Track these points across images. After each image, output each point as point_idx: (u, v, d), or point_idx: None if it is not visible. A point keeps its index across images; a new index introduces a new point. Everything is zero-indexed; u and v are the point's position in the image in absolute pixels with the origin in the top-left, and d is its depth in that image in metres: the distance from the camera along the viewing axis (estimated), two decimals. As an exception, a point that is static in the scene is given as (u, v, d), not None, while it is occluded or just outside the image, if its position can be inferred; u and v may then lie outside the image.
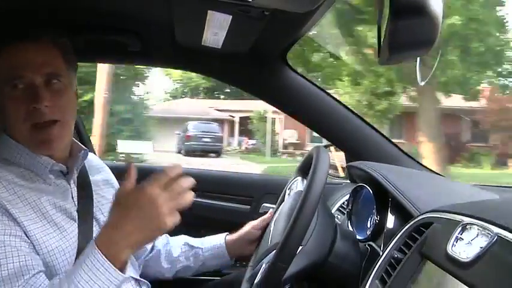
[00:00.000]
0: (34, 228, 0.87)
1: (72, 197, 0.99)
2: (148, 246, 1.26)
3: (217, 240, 1.27)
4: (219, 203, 1.84)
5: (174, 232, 1.60)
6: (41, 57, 0.93)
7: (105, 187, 1.12)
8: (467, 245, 0.66)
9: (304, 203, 0.84)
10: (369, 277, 0.90)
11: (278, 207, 1.21)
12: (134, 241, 0.80)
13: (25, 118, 0.91)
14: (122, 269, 0.80)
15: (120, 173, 1.38)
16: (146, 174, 0.84)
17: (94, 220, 1.01)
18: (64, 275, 0.83)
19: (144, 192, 0.80)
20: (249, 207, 1.81)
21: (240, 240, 1.25)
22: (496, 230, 0.63)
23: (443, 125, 10.91)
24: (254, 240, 1.24)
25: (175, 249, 1.26)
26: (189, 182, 0.84)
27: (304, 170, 1.25)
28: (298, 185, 1.20)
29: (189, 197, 0.83)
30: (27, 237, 0.85)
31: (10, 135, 0.95)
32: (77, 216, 0.97)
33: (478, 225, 0.68)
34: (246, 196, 1.84)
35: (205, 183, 1.93)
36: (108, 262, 0.77)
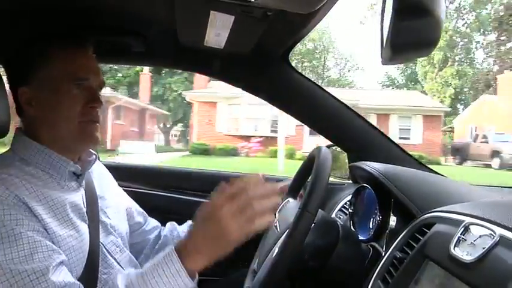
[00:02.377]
0: (54, 226, 0.89)
1: (82, 199, 1.01)
2: (152, 237, 1.28)
3: None
4: None
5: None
6: (95, 65, 1.04)
7: (105, 189, 1.14)
8: (470, 246, 0.66)
9: (316, 178, 0.90)
10: (372, 277, 0.90)
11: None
12: (204, 251, 0.82)
13: (80, 115, 0.98)
14: (192, 277, 0.82)
15: (120, 173, 1.40)
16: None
17: (100, 222, 1.03)
18: (134, 272, 0.86)
19: (208, 204, 0.82)
20: None
21: None
22: (499, 230, 0.63)
23: None
24: None
25: (184, 233, 1.27)
26: (269, 189, 0.83)
27: (295, 190, 1.26)
28: (290, 205, 1.19)
29: (262, 205, 0.81)
30: (48, 234, 0.87)
31: (33, 134, 0.98)
32: (86, 218, 0.99)
33: (480, 226, 0.68)
34: None
35: (205, 183, 1.93)
36: (183, 268, 0.80)
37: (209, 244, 0.81)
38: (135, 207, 1.28)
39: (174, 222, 1.34)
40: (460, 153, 19.37)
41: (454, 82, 29.41)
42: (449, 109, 19.69)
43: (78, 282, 0.87)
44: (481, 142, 18.28)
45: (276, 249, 0.95)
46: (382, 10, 0.71)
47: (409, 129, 19.22)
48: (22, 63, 0.98)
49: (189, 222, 1.32)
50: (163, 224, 1.36)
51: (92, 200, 1.04)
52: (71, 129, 0.98)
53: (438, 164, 16.47)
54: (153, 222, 1.32)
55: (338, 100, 1.54)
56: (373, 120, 18.55)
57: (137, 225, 1.25)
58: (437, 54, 28.55)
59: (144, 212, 1.31)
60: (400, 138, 18.50)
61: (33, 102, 0.97)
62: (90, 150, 1.09)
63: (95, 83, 1.02)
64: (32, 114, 0.98)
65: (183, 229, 1.30)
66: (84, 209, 0.99)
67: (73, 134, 0.98)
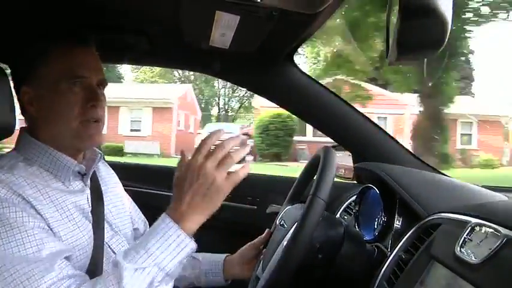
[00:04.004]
0: (57, 226, 0.89)
1: (87, 199, 1.01)
2: None
3: (217, 257, 1.27)
4: (224, 202, 1.83)
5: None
6: (96, 62, 1.01)
7: (111, 189, 1.13)
8: (476, 247, 0.66)
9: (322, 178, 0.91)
10: (377, 278, 0.90)
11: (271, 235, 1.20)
12: (197, 208, 0.84)
13: (79, 114, 0.96)
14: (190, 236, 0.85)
15: (127, 172, 1.40)
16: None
17: (106, 222, 1.03)
18: (132, 244, 0.88)
19: (188, 166, 0.85)
20: (255, 207, 1.81)
21: (238, 260, 1.24)
22: (505, 231, 0.63)
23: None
24: (251, 260, 1.22)
25: None
26: (234, 141, 0.87)
27: (295, 199, 1.25)
28: (296, 207, 1.18)
29: (238, 155, 0.86)
30: (53, 233, 0.88)
31: (36, 134, 0.98)
32: (91, 218, 0.99)
33: (486, 227, 0.67)
34: (251, 196, 1.83)
35: None
36: (179, 228, 0.82)
37: (201, 201, 0.84)
38: (138, 212, 1.27)
39: None
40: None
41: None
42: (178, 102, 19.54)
43: (84, 274, 0.87)
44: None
45: (285, 243, 0.95)
46: (388, 10, 0.71)
47: (140, 121, 19.34)
48: (24, 62, 0.98)
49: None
50: None
51: (97, 199, 1.03)
52: (71, 129, 0.96)
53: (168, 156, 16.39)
54: None
55: (343, 100, 1.54)
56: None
57: (137, 233, 1.23)
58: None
59: (146, 221, 1.29)
60: (132, 130, 18.91)
61: (34, 102, 0.96)
62: (95, 148, 1.08)
63: (96, 81, 0.99)
64: (34, 114, 0.97)
65: None
66: (89, 209, 0.99)
67: (73, 133, 0.97)
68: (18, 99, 1.00)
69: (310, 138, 16.45)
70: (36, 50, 0.97)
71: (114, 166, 1.27)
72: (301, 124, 16.56)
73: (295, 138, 16.31)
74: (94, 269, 0.95)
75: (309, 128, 16.79)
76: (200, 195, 0.83)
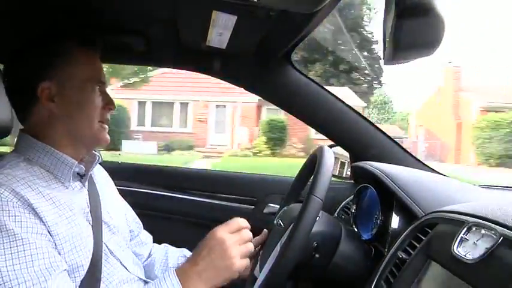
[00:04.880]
0: (57, 228, 0.88)
1: (86, 200, 1.01)
2: (146, 253, 1.27)
3: None
4: (221, 203, 1.84)
5: (178, 232, 1.60)
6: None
7: (106, 190, 1.14)
8: (472, 246, 0.66)
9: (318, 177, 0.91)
10: (374, 278, 0.90)
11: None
12: (206, 278, 0.91)
13: (99, 115, 1.03)
14: None
15: (122, 172, 1.41)
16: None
17: (103, 223, 1.03)
18: None
19: (214, 234, 0.94)
20: (252, 207, 1.81)
21: None
22: (501, 230, 0.63)
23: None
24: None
25: (172, 260, 1.26)
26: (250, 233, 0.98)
27: (292, 198, 1.25)
28: (294, 206, 1.18)
29: (252, 246, 0.97)
30: (51, 236, 0.87)
31: (41, 132, 0.98)
32: (90, 218, 0.99)
33: (483, 226, 0.68)
34: (248, 196, 1.83)
35: (207, 183, 1.93)
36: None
37: (212, 272, 0.92)
38: (132, 213, 1.27)
39: (167, 245, 1.32)
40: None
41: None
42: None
43: None
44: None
45: (282, 242, 0.95)
46: (385, 10, 0.71)
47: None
48: (42, 59, 0.98)
49: (183, 250, 1.30)
50: (164, 225, 1.34)
51: (94, 200, 1.03)
52: (92, 128, 1.01)
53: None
54: (145, 237, 1.30)
55: (340, 100, 1.55)
56: None
57: (131, 234, 1.23)
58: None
59: (140, 223, 1.29)
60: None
61: (56, 98, 0.97)
62: (93, 151, 1.08)
63: (106, 86, 1.07)
64: (53, 111, 0.97)
65: (176, 255, 1.28)
66: (88, 209, 0.99)
67: (92, 132, 1.02)
68: (22, 97, 0.99)
69: (149, 128, 16.68)
70: (59, 47, 1.00)
71: (109, 166, 1.27)
72: (140, 114, 16.88)
73: (134, 128, 16.44)
74: (93, 270, 0.95)
75: (148, 118, 17.13)
76: (213, 267, 0.91)
